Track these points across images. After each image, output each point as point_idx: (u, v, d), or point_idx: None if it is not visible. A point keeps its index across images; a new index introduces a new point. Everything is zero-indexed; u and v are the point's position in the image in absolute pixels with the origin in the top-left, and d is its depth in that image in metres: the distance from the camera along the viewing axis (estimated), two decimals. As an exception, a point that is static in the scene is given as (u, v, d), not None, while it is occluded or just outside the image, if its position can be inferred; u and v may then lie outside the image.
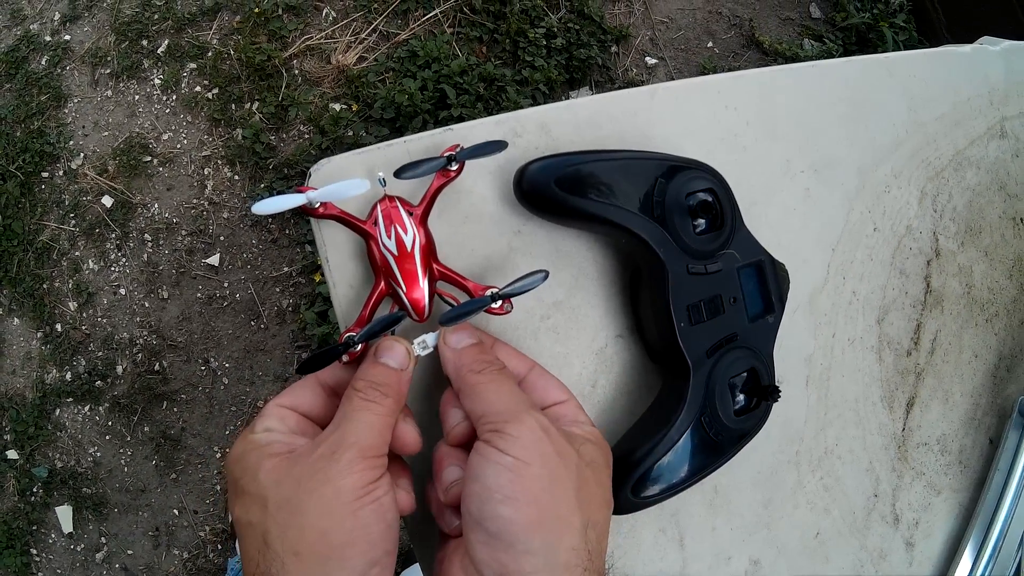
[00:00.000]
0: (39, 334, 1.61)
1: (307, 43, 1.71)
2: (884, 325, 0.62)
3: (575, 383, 0.48)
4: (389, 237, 0.40)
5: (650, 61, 1.87)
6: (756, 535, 0.55)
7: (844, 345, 0.59)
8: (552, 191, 0.42)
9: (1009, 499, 0.64)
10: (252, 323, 1.59)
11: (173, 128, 1.69)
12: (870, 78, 0.64)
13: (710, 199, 0.45)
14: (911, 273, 0.64)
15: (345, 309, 0.44)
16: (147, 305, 1.61)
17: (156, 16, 1.73)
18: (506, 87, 1.69)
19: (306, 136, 1.65)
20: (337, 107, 1.66)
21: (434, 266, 0.41)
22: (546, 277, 0.41)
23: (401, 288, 0.39)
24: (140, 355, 1.59)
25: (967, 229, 0.69)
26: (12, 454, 1.57)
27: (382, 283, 0.41)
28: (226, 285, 1.61)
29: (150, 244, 1.63)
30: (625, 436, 0.46)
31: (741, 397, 0.46)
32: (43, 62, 1.74)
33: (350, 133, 1.63)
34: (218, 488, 1.53)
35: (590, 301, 0.49)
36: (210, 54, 1.71)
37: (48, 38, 1.75)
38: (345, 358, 0.39)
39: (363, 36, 1.72)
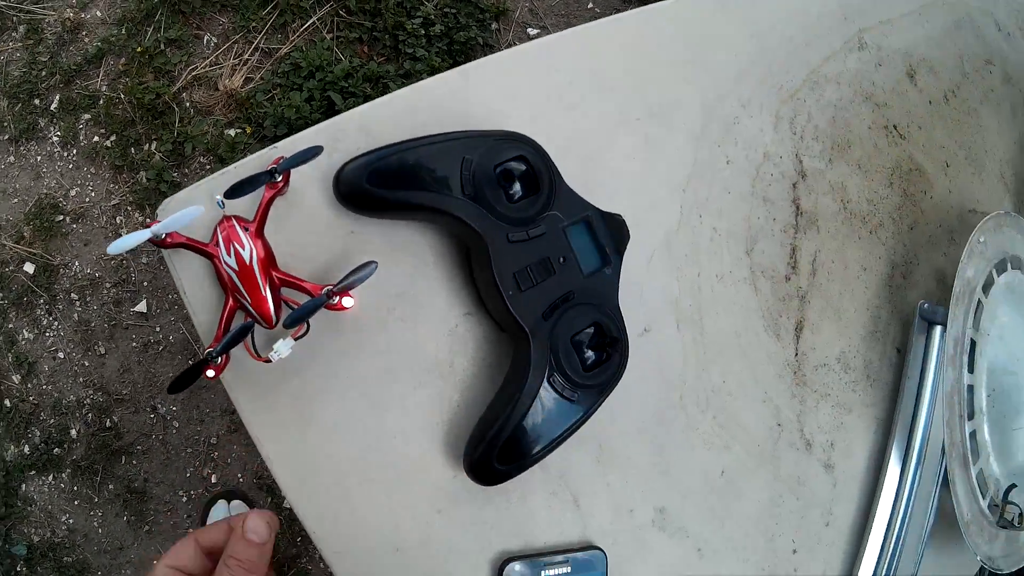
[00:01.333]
0: (-10, 413, 1.61)
1: (193, 73, 1.70)
2: (755, 255, 0.63)
3: (433, 365, 0.50)
4: (229, 255, 0.43)
5: (532, 32, 1.88)
6: (655, 484, 0.56)
7: (712, 282, 0.61)
8: (365, 189, 0.44)
9: (926, 404, 0.66)
10: (190, 362, 1.56)
11: (79, 183, 1.68)
12: (703, 14, 0.66)
13: (522, 166, 0.46)
14: (776, 199, 0.65)
15: (207, 331, 0.46)
16: (87, 364, 1.61)
17: (44, 72, 1.71)
18: (389, 84, 1.69)
19: (207, 167, 1.65)
20: (232, 132, 1.67)
21: (274, 274, 0.44)
22: (375, 267, 0.43)
23: (246, 300, 0.43)
24: (90, 415, 1.59)
25: (833, 145, 0.70)
26: (-11, 537, 1.57)
27: (230, 299, 0.44)
28: (158, 329, 1.61)
29: (78, 303, 1.63)
30: (486, 409, 0.48)
31: (591, 353, 0.47)
32: (-61, 138, 1.72)
33: (248, 155, 1.63)
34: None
35: (432, 286, 0.50)
36: (102, 102, 1.70)
37: (-61, 113, 1.73)
38: (210, 372, 0.42)
39: (246, 57, 1.71)
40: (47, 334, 1.62)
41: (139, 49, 1.69)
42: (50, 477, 1.58)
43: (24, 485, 1.58)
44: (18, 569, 1.56)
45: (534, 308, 0.45)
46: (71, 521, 1.57)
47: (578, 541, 0.53)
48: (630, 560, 0.55)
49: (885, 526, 0.64)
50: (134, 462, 1.58)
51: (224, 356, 0.43)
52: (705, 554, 0.58)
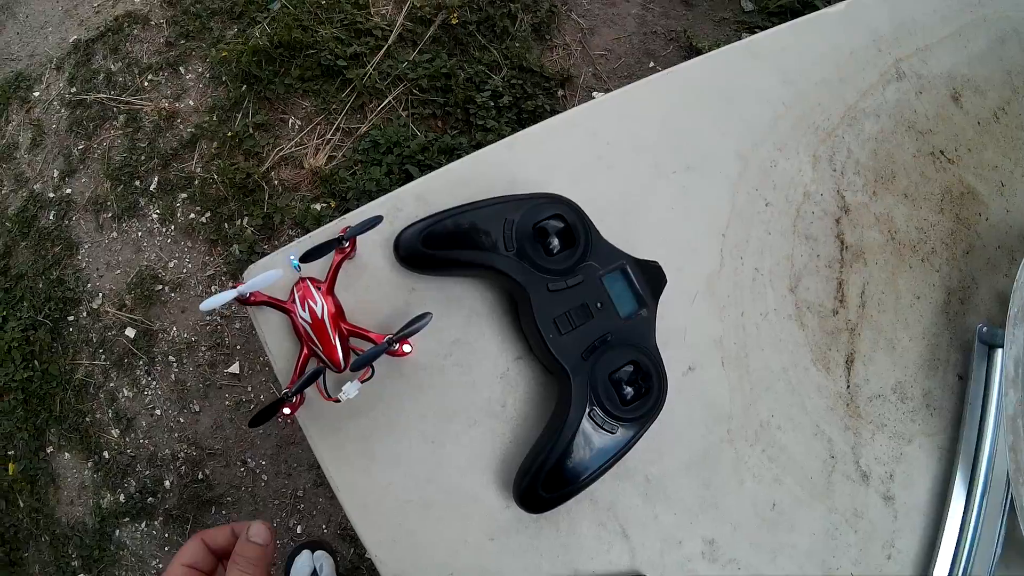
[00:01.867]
0: (89, 464, 1.76)
1: (280, 154, 1.89)
2: (799, 292, 0.66)
3: (487, 405, 0.55)
4: (304, 310, 0.50)
5: (597, 95, 1.97)
6: (704, 516, 0.59)
7: (757, 320, 0.63)
8: (421, 250, 0.52)
9: (990, 429, 0.65)
10: (279, 420, 1.68)
11: (177, 255, 1.86)
12: (735, 67, 0.70)
13: (559, 224, 0.52)
14: (819, 236, 0.68)
15: (284, 376, 0.54)
16: (182, 420, 1.75)
17: (143, 157, 1.92)
18: (463, 155, 1.78)
19: (295, 238, 1.79)
20: (318, 207, 1.84)
21: (343, 326, 0.51)
22: (431, 317, 0.49)
23: (318, 348, 0.50)
24: (183, 467, 1.72)
25: (877, 178, 0.72)
26: (82, 578, 1.71)
27: (305, 348, 0.51)
28: (249, 389, 1.75)
29: (175, 364, 1.78)
30: (534, 444, 0.52)
31: (629, 389, 0.51)
32: (51, 217, 1.93)
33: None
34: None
35: (485, 334, 0.56)
36: (196, 182, 1.89)
37: (51, 194, 1.95)
38: (287, 410, 0.49)
39: (328, 137, 1.89)
40: (146, 392, 1.77)
41: (229, 134, 1.88)
42: (143, 524, 1.71)
43: (118, 531, 1.72)
44: (108, 609, 1.68)
45: (574, 349, 0.50)
46: (160, 566, 1.69)
47: (627, 570, 0.56)
48: (683, 590, 0.57)
49: (951, 559, 0.63)
50: (223, 512, 1.70)
51: (299, 396, 0.50)
52: (758, 588, 0.59)
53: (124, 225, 1.89)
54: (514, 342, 0.56)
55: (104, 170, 1.93)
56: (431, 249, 0.51)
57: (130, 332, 1.80)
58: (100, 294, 1.85)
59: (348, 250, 0.53)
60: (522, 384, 0.56)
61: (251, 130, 1.91)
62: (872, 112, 0.74)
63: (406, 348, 0.51)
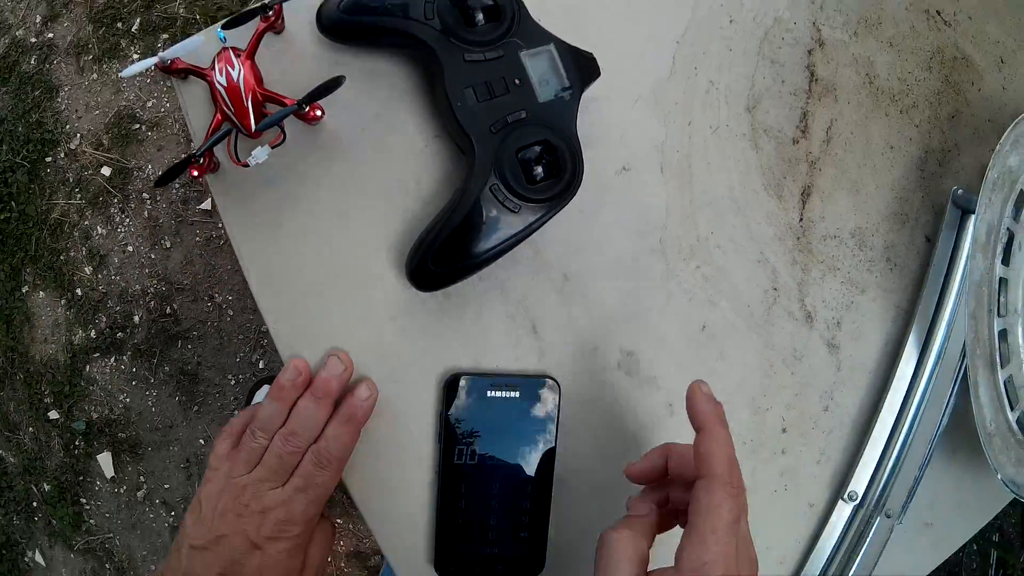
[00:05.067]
0: (62, 301, 1.83)
1: None
2: (757, 113, 0.63)
3: (400, 184, 0.55)
4: (221, 75, 0.50)
5: None
6: (624, 326, 0.58)
7: (706, 133, 0.61)
8: (341, 17, 0.51)
9: (953, 295, 0.63)
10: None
11: (155, 95, 1.86)
12: None
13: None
14: (787, 62, 0.65)
15: (199, 143, 0.52)
16: (153, 256, 1.81)
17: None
18: None
19: None
20: None
21: (257, 91, 0.50)
22: (344, 80, 0.49)
23: (231, 111, 0.49)
24: (152, 302, 1.80)
25: (860, 20, 0.68)
26: (53, 414, 1.81)
27: (218, 113, 0.51)
28: (220, 225, 1.79)
29: (148, 202, 1.82)
30: (433, 218, 0.52)
31: (540, 170, 0.50)
32: (32, 61, 1.92)
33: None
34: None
35: (406, 110, 0.55)
36: (179, 23, 1.87)
37: (33, 39, 1.93)
38: (195, 173, 0.49)
39: None
40: (119, 230, 1.82)
41: (215, -25, 1.83)
42: (112, 359, 1.81)
43: (88, 367, 1.81)
44: (76, 443, 1.80)
45: (482, 121, 0.49)
46: (128, 400, 1.80)
47: (533, 370, 0.56)
48: (591, 400, 0.57)
49: (892, 424, 0.63)
50: (189, 347, 1.79)
51: (207, 158, 0.50)
52: (676, 411, 0.59)
53: (104, 67, 1.88)
54: (434, 121, 0.55)
55: (87, 13, 1.90)
56: (350, 15, 0.51)
57: (106, 171, 1.82)
58: (78, 135, 1.86)
59: (272, 19, 0.52)
60: (438, 163, 0.55)
61: (235, -27, 1.86)
62: (862, -48, 0.68)
63: (318, 112, 0.51)
